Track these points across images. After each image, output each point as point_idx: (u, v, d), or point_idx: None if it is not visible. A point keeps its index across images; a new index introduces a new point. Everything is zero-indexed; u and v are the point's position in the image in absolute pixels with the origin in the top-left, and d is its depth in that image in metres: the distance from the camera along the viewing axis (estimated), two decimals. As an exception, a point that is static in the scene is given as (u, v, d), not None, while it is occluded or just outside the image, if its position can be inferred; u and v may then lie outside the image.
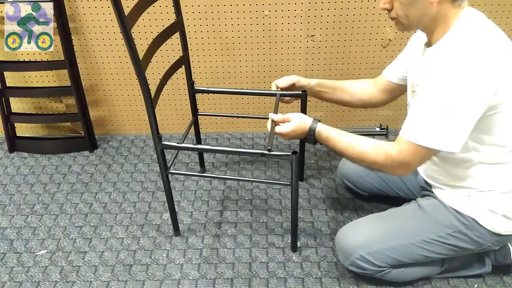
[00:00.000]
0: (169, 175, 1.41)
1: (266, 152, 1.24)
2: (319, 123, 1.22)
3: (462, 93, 0.97)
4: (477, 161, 1.11)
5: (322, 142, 1.23)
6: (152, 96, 1.23)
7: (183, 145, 1.35)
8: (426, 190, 1.31)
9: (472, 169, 1.13)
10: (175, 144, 1.34)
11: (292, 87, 1.49)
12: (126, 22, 1.06)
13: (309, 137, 1.23)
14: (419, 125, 1.04)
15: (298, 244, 1.49)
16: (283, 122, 1.26)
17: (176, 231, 1.53)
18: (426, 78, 1.05)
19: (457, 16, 1.03)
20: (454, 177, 1.18)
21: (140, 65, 1.14)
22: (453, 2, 1.01)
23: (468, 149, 1.09)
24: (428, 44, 1.12)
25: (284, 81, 1.48)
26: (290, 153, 1.23)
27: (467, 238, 1.18)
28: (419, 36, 1.21)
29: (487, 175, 1.13)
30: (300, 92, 1.48)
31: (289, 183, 1.30)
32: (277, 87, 1.48)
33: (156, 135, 1.27)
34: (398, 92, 1.40)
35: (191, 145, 1.31)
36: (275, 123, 1.28)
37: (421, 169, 1.33)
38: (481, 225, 1.15)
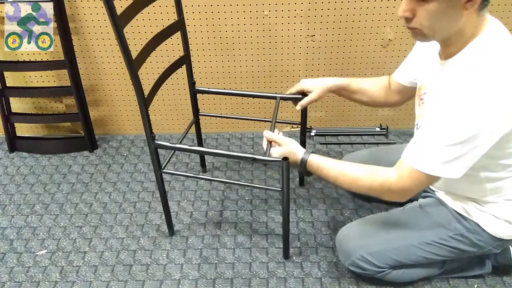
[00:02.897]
0: (168, 175, 1.41)
1: (256, 156, 1.21)
2: (311, 154, 1.17)
3: (477, 127, 0.91)
4: (483, 176, 1.09)
5: (314, 172, 1.17)
6: (147, 95, 1.23)
7: (175, 145, 1.32)
8: (427, 192, 1.31)
9: (478, 184, 1.10)
10: (168, 144, 1.32)
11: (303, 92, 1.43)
12: (117, 20, 1.06)
13: (301, 168, 1.18)
14: (427, 152, 0.98)
15: (298, 244, 1.49)
16: (274, 142, 1.21)
17: (170, 230, 1.53)
18: (440, 97, 0.98)
19: (479, 28, 0.95)
20: (457, 188, 1.17)
21: (132, 64, 1.13)
22: (478, 12, 0.93)
23: (476, 169, 1.06)
24: (443, 56, 1.04)
25: (309, 86, 1.41)
26: (280, 159, 1.17)
27: (468, 241, 1.17)
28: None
29: (492, 188, 1.11)
30: (301, 96, 1.46)
31: (280, 189, 1.25)
32: (300, 91, 1.42)
33: (150, 134, 1.27)
34: (409, 95, 1.33)
35: (183, 146, 1.29)
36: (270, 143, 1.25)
37: None
38: (484, 229, 1.15)
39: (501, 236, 1.15)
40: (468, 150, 0.94)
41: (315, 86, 1.40)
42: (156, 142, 1.30)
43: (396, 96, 1.38)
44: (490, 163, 1.05)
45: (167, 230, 1.56)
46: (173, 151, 1.57)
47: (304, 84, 1.42)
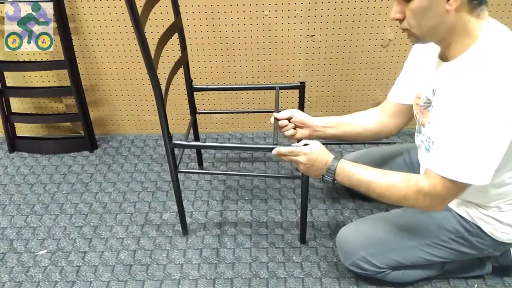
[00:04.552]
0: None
1: (277, 147, 1.21)
2: (341, 160, 1.12)
3: (497, 122, 0.89)
4: (488, 183, 1.04)
5: (341, 180, 1.12)
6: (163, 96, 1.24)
7: (194, 143, 1.34)
8: None
9: (482, 190, 1.07)
10: (186, 143, 1.34)
11: (290, 119, 1.33)
12: (139, 23, 1.06)
13: (328, 171, 1.12)
14: (452, 158, 0.95)
15: (298, 244, 1.49)
16: (292, 156, 1.15)
17: (184, 229, 1.53)
18: (449, 100, 0.97)
19: (479, 28, 0.94)
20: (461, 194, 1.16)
21: (152, 65, 1.14)
22: (471, 12, 0.93)
23: None
24: (445, 58, 1.03)
25: (284, 113, 1.32)
26: (302, 145, 1.18)
27: (469, 244, 1.17)
28: (425, 46, 1.11)
29: (496, 194, 1.09)
30: (299, 83, 1.47)
31: (300, 176, 1.32)
32: (276, 119, 1.32)
33: (167, 134, 1.27)
34: (412, 113, 1.25)
35: (202, 143, 1.32)
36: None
37: (422, 172, 1.28)
38: (485, 233, 1.14)
39: (503, 240, 1.14)
40: (493, 149, 0.92)
41: (304, 122, 1.32)
42: (173, 142, 1.30)
43: (396, 120, 1.30)
44: (496, 170, 1.01)
45: (167, 230, 1.56)
46: (181, 151, 1.58)
47: (296, 117, 1.32)
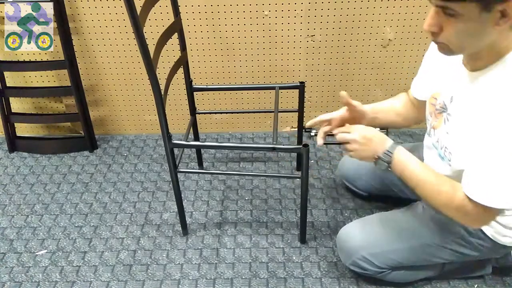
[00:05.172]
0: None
1: (277, 146, 1.22)
2: (399, 146, 1.08)
3: None
4: None
5: (396, 169, 1.08)
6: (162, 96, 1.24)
7: (193, 143, 1.34)
8: None
9: None
10: (185, 142, 1.35)
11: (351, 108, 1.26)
12: (138, 22, 1.06)
13: (386, 153, 1.07)
14: (492, 185, 0.91)
15: (298, 244, 1.49)
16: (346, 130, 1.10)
17: (184, 229, 1.53)
18: (474, 114, 0.93)
19: None
20: None
21: (151, 65, 1.14)
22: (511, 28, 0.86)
23: None
24: (472, 67, 0.97)
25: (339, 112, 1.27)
26: (300, 146, 1.20)
27: (470, 245, 1.17)
28: None
29: None
30: (299, 83, 1.48)
31: (299, 176, 1.32)
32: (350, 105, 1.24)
33: (166, 134, 1.28)
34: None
35: (202, 143, 1.33)
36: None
37: None
38: (487, 235, 1.13)
39: (504, 243, 1.14)
40: None
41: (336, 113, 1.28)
42: (173, 141, 1.30)
43: (416, 113, 1.29)
44: None
45: (167, 230, 1.56)
46: (181, 151, 1.58)
47: (323, 116, 1.29)
